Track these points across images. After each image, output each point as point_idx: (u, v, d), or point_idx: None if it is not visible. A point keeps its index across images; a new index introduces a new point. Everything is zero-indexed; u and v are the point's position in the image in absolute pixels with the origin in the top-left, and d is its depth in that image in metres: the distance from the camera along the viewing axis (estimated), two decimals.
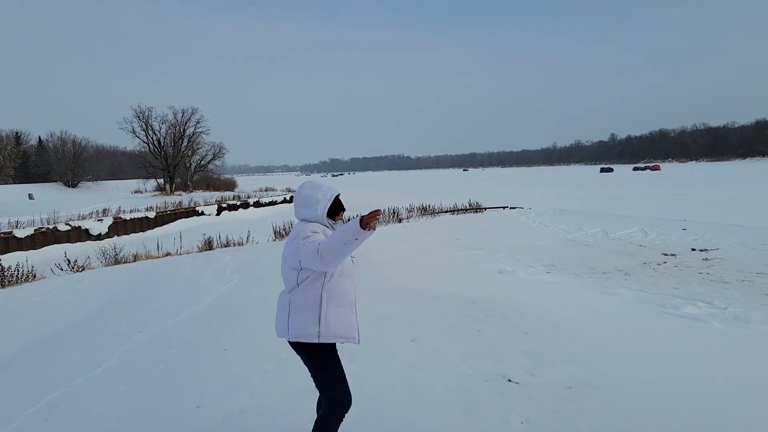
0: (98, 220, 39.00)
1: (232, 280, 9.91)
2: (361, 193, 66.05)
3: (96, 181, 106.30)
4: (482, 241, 21.47)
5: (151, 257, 17.80)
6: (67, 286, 12.88)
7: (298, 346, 3.54)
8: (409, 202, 32.06)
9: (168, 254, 18.55)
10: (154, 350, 5.64)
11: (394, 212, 28.24)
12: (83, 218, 39.27)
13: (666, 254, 17.04)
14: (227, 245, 19.90)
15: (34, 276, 14.99)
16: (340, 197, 3.76)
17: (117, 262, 16.96)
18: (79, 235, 36.91)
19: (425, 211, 31.06)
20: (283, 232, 22.80)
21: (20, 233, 33.42)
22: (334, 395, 3.50)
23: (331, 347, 3.58)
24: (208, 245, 19.55)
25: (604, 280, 13.58)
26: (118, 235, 39.88)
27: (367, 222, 3.11)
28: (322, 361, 3.50)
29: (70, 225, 36.52)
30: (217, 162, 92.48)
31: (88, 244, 37.59)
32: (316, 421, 3.53)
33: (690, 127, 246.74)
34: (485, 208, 33.29)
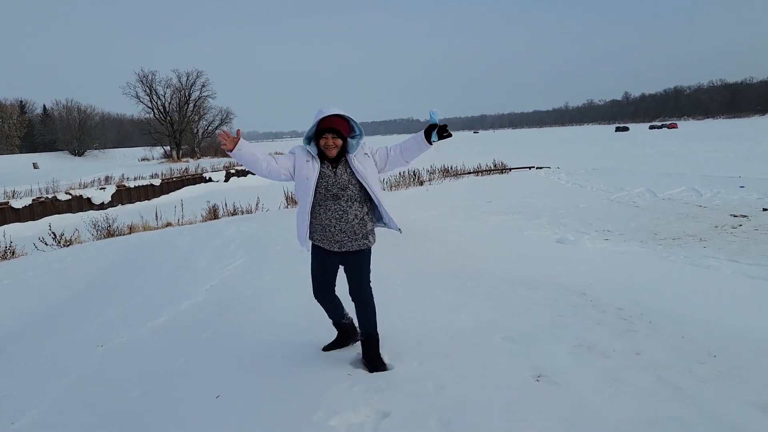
0: (101, 189, 37.12)
1: (235, 260, 7.89)
2: None
3: (103, 149, 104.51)
4: (517, 204, 19.35)
5: (149, 228, 15.84)
6: (45, 266, 10.95)
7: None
8: (429, 164, 29.80)
9: (168, 225, 16.59)
10: (103, 393, 3.62)
11: (414, 174, 26.05)
12: (85, 187, 37.40)
13: (735, 215, 14.86)
14: (234, 213, 17.90)
15: (13, 252, 13.09)
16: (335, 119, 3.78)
17: (110, 234, 15.04)
18: (80, 204, 35.05)
19: (447, 172, 28.85)
20: (295, 198, 20.76)
21: (17, 204, 31.59)
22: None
23: None
24: (213, 214, 17.56)
25: (678, 248, 11.48)
26: (122, 204, 38.03)
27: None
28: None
29: (70, 194, 34.65)
30: (224, 127, 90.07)
31: (90, 214, 35.73)
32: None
33: (706, 84, 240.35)
34: (510, 169, 31.00)
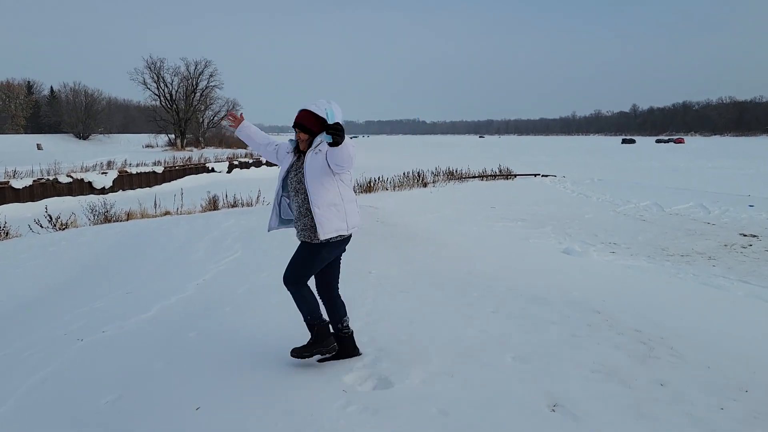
0: (102, 173, 36.85)
1: (231, 254, 7.57)
2: (378, 155, 63.35)
3: (107, 134, 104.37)
4: (521, 211, 19.05)
5: (147, 216, 15.55)
6: (39, 248, 10.66)
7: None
8: (433, 166, 29.50)
9: (167, 213, 16.30)
10: (73, 395, 3.23)
11: (418, 176, 25.75)
12: (86, 170, 37.12)
13: (745, 235, 14.55)
14: (234, 205, 17.61)
15: (7, 233, 12.81)
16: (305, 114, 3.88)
17: (107, 220, 14.76)
18: (81, 188, 34.76)
19: (452, 175, 28.53)
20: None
21: (18, 184, 31.31)
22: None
23: None
24: (213, 204, 17.27)
25: (687, 265, 11.17)
26: (123, 190, 37.76)
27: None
28: None
29: (71, 177, 34.37)
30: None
31: (91, 198, 35.55)
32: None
33: (715, 100, 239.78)
34: (516, 175, 30.69)
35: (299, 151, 3.93)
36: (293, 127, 3.88)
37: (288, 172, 3.95)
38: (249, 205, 17.97)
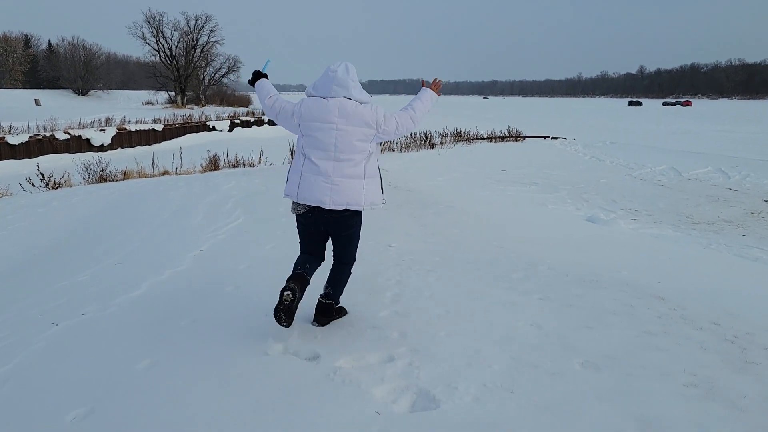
0: (101, 130, 35.98)
1: (232, 221, 6.92)
2: None
3: (107, 90, 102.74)
4: (533, 174, 18.32)
5: (144, 175, 14.87)
6: (29, 209, 10.04)
7: (348, 215, 3.67)
8: (440, 126, 28.58)
9: (165, 173, 15.61)
10: (29, 409, 2.55)
11: (426, 137, 24.90)
12: (84, 127, 36.25)
13: None
14: (235, 165, 16.91)
15: None
16: None
17: (102, 179, 14.08)
18: (79, 145, 33.96)
19: (460, 137, 27.67)
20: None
21: (13, 140, 30.50)
22: (354, 256, 3.85)
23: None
24: (214, 164, 16.56)
25: (715, 234, 10.54)
26: (122, 147, 36.96)
27: (436, 90, 3.98)
28: (360, 226, 3.78)
29: (69, 134, 33.55)
30: (231, 76, 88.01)
31: (89, 155, 34.83)
32: (337, 271, 3.82)
33: (724, 63, 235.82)
34: (525, 137, 29.81)
35: None
36: None
37: None
38: (251, 165, 17.28)
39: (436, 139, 25.74)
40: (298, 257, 3.76)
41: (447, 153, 23.57)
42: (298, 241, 3.82)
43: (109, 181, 14.12)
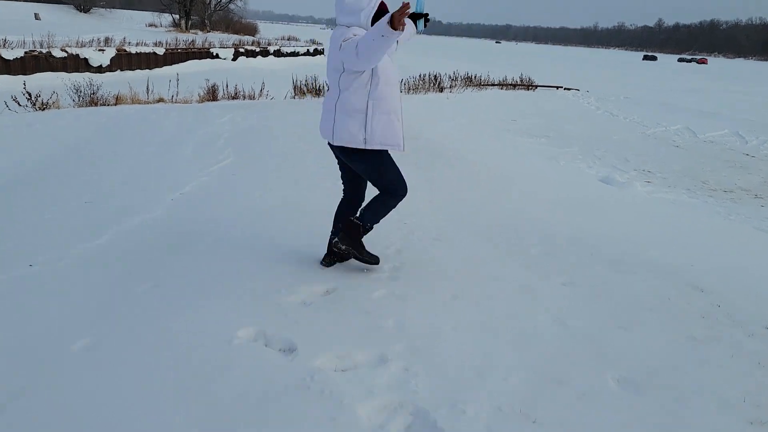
0: (99, 50, 34.75)
1: (221, 160, 6.37)
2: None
3: (109, 8, 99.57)
4: (544, 126, 17.61)
5: (138, 102, 14.14)
6: (7, 130, 9.43)
7: (345, 152, 3.49)
8: (451, 70, 27.52)
9: (160, 100, 14.87)
10: None
11: (435, 79, 23.93)
12: (83, 46, 34.99)
13: None
14: (235, 97, 16.16)
15: None
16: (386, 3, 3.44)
17: (92, 102, 13.39)
18: (76, 64, 32.84)
19: (470, 81, 26.66)
20: (305, 88, 18.90)
21: (8, 54, 29.42)
22: (393, 185, 3.49)
23: (380, 151, 3.48)
24: (212, 94, 15.80)
25: (733, 203, 10.03)
26: (122, 70, 35.80)
27: (398, 19, 2.86)
28: (372, 160, 3.46)
29: (66, 52, 32.37)
30: (238, 2, 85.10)
31: (86, 76, 33.72)
32: (373, 199, 3.57)
33: (744, 21, 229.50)
34: (537, 86, 28.79)
35: None
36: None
37: None
38: (251, 98, 16.52)
39: (446, 83, 24.79)
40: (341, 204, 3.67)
41: (456, 98, 22.70)
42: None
43: (101, 105, 13.42)
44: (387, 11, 3.36)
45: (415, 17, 3.42)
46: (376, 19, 3.34)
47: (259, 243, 3.78)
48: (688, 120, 20.78)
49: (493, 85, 27.38)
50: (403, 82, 22.82)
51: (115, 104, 13.53)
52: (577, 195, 6.64)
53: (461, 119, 17.32)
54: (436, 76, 24.25)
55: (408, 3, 2.87)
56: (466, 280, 3.48)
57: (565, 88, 29.42)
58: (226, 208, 4.62)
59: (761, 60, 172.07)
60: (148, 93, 14.85)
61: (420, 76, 23.71)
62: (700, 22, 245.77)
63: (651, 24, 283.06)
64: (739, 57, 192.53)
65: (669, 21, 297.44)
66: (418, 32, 3.56)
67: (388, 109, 3.41)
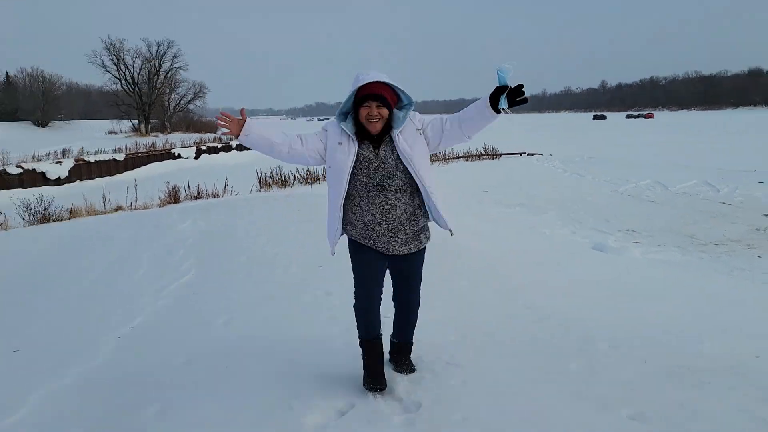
0: (57, 162, 34.18)
1: (180, 275, 5.66)
2: None
3: (68, 120, 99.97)
4: (516, 194, 17.36)
5: (94, 213, 13.41)
6: None
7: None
8: None
9: (119, 209, 14.17)
10: None
11: None
12: (39, 160, 34.43)
13: None
14: (198, 197, 15.56)
15: None
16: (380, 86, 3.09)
17: (45, 219, 12.61)
18: (33, 179, 32.12)
19: (435, 157, 26.70)
20: (270, 180, 18.44)
21: None
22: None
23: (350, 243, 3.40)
24: (173, 197, 15.17)
25: (728, 256, 9.60)
26: (81, 180, 35.13)
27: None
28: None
29: (22, 167, 31.70)
30: (197, 102, 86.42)
31: (45, 190, 32.93)
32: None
33: (682, 75, 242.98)
34: (501, 154, 28.99)
35: (363, 137, 3.15)
36: (369, 99, 3.05)
37: (354, 166, 3.14)
38: (215, 195, 15.95)
39: None
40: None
41: None
42: None
43: (53, 221, 12.65)
44: (370, 95, 3.09)
45: (498, 92, 2.95)
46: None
47: (219, 402, 2.97)
48: (655, 174, 20.85)
49: (458, 157, 27.45)
50: None
51: (69, 218, 12.76)
52: (582, 273, 6.06)
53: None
54: None
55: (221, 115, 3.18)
56: (501, 426, 2.69)
57: (528, 154, 29.69)
58: (182, 345, 3.82)
59: (702, 110, 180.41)
60: (105, 202, 14.15)
61: None
62: (641, 80, 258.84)
63: (595, 86, 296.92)
64: (682, 109, 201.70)
65: (612, 82, 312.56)
66: (504, 110, 3.01)
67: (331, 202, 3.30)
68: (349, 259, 3.28)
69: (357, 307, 3.26)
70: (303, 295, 4.88)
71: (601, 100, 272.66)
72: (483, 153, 28.67)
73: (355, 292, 3.26)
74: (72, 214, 13.05)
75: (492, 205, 15.34)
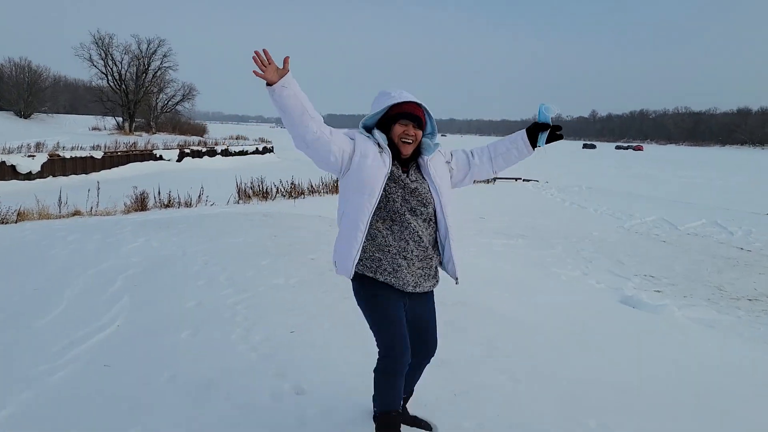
0: (29, 156, 32.38)
1: (99, 327, 4.17)
2: None
3: (51, 113, 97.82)
4: (515, 223, 16.06)
5: (47, 217, 11.86)
6: None
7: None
8: None
9: (76, 213, 12.62)
10: None
11: None
12: (10, 152, 32.62)
13: None
14: (168, 205, 14.07)
15: None
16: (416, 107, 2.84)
17: None
18: (2, 172, 30.31)
19: None
20: (250, 191, 17.00)
21: None
22: (376, 340, 2.77)
23: (360, 282, 2.85)
24: (141, 204, 13.68)
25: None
26: (54, 176, 33.35)
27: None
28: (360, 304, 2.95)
29: None
30: (186, 104, 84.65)
31: (14, 184, 31.21)
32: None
33: (671, 110, 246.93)
34: (495, 179, 27.78)
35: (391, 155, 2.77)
36: (405, 119, 2.76)
37: (390, 181, 2.74)
38: (188, 205, 14.47)
39: None
40: None
41: None
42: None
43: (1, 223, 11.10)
44: (404, 113, 2.81)
45: (538, 129, 2.98)
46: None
47: None
48: (659, 210, 19.75)
49: None
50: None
51: (16, 221, 11.21)
52: (635, 353, 4.68)
53: None
54: None
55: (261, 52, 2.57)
56: None
57: (524, 180, 28.51)
58: None
59: (690, 145, 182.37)
60: (60, 205, 12.59)
61: None
62: (631, 112, 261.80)
63: (586, 115, 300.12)
64: (670, 143, 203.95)
65: (602, 112, 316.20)
66: (539, 146, 3.01)
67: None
68: (358, 307, 2.79)
69: (392, 357, 2.62)
70: (260, 388, 3.35)
71: (591, 130, 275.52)
72: None
73: (383, 342, 2.68)
74: (20, 216, 11.48)
75: (491, 235, 14.00)
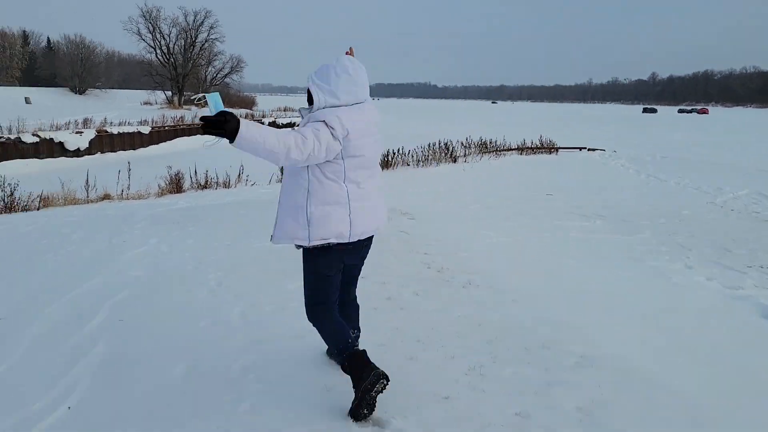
0: (77, 133, 32.12)
1: (53, 407, 2.90)
2: (399, 122, 57.97)
3: (105, 89, 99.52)
4: (589, 201, 14.21)
5: (75, 202, 10.84)
6: None
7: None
8: (463, 136, 24.46)
9: (106, 197, 11.59)
10: None
11: (446, 148, 20.78)
12: (58, 129, 32.42)
13: None
14: (205, 186, 12.90)
15: None
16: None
17: (10, 208, 10.11)
18: (50, 149, 30.08)
19: (485, 147, 23.54)
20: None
21: None
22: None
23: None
24: (176, 185, 12.54)
25: None
26: (102, 152, 33.13)
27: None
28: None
29: (38, 136, 29.68)
30: (234, 76, 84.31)
31: (62, 161, 30.98)
32: (356, 309, 3.57)
33: (738, 70, 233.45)
34: (558, 149, 25.65)
35: None
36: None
37: None
38: (226, 185, 13.28)
39: (459, 151, 21.65)
40: (335, 317, 3.03)
41: (473, 168, 19.51)
42: (321, 298, 2.97)
43: (21, 210, 10.11)
44: None
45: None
46: None
47: None
48: (750, 182, 17.47)
49: (510, 149, 24.25)
50: (409, 153, 19.64)
51: (39, 208, 10.20)
52: None
53: (488, 199, 13.97)
54: (447, 144, 21.13)
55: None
56: None
57: (589, 149, 26.29)
58: None
59: (760, 107, 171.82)
60: (88, 189, 11.54)
61: (429, 145, 20.58)
62: (694, 74, 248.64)
63: (645, 77, 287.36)
64: (737, 105, 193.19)
65: (663, 74, 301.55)
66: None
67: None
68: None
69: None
70: None
71: (651, 93, 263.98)
72: (539, 146, 25.34)
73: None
74: (44, 202, 10.47)
75: (562, 216, 12.26)
